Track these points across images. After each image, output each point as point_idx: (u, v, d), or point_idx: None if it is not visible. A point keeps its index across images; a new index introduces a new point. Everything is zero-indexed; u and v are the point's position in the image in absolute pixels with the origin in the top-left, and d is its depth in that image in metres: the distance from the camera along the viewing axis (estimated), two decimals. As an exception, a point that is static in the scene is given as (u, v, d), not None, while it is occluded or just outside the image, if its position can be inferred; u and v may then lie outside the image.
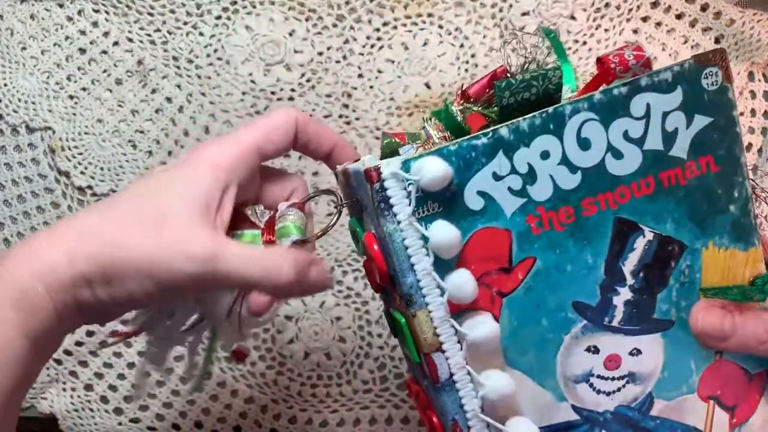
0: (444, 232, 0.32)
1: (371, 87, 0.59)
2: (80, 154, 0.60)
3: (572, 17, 0.58)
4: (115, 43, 0.59)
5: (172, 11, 0.59)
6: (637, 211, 0.35)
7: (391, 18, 0.58)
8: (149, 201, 0.33)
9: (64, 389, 0.60)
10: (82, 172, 0.60)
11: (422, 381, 0.38)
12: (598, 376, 0.36)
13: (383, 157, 0.38)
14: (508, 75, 0.38)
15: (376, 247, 0.34)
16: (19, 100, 0.60)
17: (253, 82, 0.59)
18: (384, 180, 0.32)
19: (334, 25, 0.58)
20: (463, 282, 0.33)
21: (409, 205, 0.32)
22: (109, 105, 0.60)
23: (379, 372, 0.59)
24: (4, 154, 0.60)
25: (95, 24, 0.60)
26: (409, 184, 0.32)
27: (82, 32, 0.60)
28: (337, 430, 0.60)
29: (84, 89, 0.60)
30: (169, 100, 0.60)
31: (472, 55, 0.58)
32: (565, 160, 0.34)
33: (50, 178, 0.60)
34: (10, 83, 0.60)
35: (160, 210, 0.32)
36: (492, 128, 0.33)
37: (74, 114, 0.60)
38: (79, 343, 0.60)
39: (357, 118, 0.59)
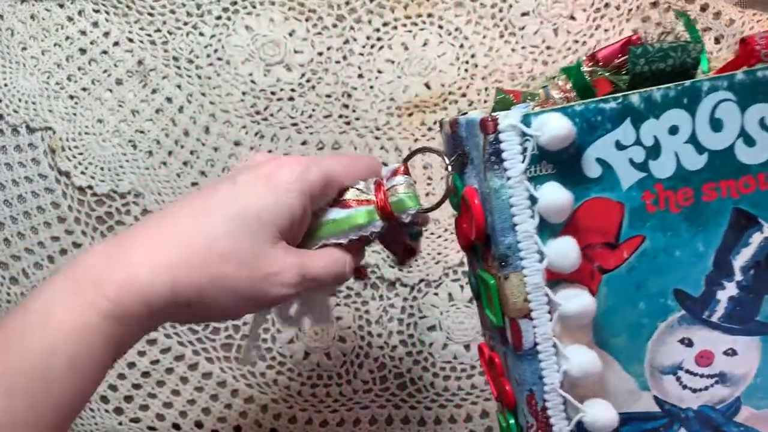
0: (557, 195, 0.30)
1: (371, 87, 0.59)
2: (80, 154, 0.60)
3: (572, 17, 0.58)
4: (116, 43, 0.59)
5: (173, 11, 0.59)
6: (759, 205, 0.33)
7: (391, 18, 0.58)
8: (245, 229, 0.33)
9: (65, 389, 0.60)
10: (82, 172, 0.60)
11: (500, 346, 0.37)
12: (687, 371, 0.35)
13: None
14: (644, 42, 0.36)
15: (477, 201, 0.33)
16: (20, 100, 0.60)
17: (253, 82, 0.59)
18: (500, 132, 0.30)
19: (334, 26, 0.58)
20: (567, 250, 0.31)
21: (523, 161, 0.30)
22: (109, 105, 0.60)
23: (379, 372, 0.59)
24: (4, 154, 0.61)
25: (95, 24, 0.60)
26: (526, 140, 0.30)
27: (83, 32, 0.60)
28: (337, 430, 0.60)
29: (84, 89, 0.60)
30: (169, 100, 0.60)
31: (472, 55, 0.58)
32: (693, 139, 0.32)
33: (50, 178, 0.60)
34: (11, 83, 0.60)
35: (255, 241, 0.34)
36: (623, 93, 0.31)
37: (74, 114, 0.60)
38: (79, 343, 0.60)
39: (357, 118, 0.59)
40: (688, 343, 0.34)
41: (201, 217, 0.34)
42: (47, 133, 0.60)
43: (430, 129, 0.59)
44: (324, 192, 0.36)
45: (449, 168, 0.36)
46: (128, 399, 0.60)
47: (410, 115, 0.59)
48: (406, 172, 0.37)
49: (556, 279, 0.32)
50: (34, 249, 0.61)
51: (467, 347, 0.59)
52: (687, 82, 0.31)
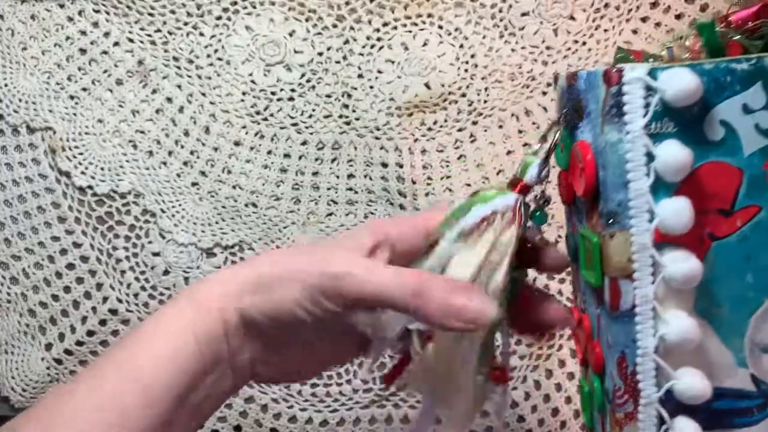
0: (677, 153, 0.29)
1: (371, 87, 0.59)
2: (81, 154, 0.60)
3: (572, 17, 0.58)
4: (116, 44, 0.60)
5: (173, 11, 0.59)
6: None
7: (391, 18, 0.58)
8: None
9: (65, 389, 0.60)
10: (82, 172, 0.60)
11: (593, 308, 0.36)
12: None
13: None
14: None
15: (590, 155, 0.32)
16: (20, 100, 0.60)
17: (253, 82, 0.59)
18: (624, 83, 0.29)
19: (334, 26, 0.59)
20: (681, 210, 0.29)
21: (644, 116, 0.29)
22: (109, 105, 0.60)
23: (379, 372, 0.59)
24: (4, 154, 0.61)
25: (96, 24, 0.60)
26: (650, 95, 0.29)
27: (83, 32, 0.60)
28: (338, 430, 0.60)
29: (84, 89, 0.60)
30: (169, 100, 0.60)
31: (472, 56, 0.58)
32: None
33: (51, 178, 0.60)
34: (11, 83, 0.60)
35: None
36: (757, 55, 0.30)
37: (75, 114, 0.60)
38: (80, 343, 0.60)
39: (357, 118, 0.59)
40: None
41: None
42: (47, 133, 0.60)
43: (430, 129, 0.59)
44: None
45: (562, 119, 0.35)
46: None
47: (410, 115, 0.59)
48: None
49: (662, 241, 0.31)
50: (34, 249, 0.61)
51: (467, 347, 0.59)
52: None
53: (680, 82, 0.29)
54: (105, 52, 0.60)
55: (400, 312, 0.32)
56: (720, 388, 0.32)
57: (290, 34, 0.59)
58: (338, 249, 0.34)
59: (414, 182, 0.59)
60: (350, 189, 0.59)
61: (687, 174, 0.30)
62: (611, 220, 0.31)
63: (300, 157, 0.59)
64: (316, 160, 0.59)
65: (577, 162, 0.33)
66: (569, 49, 0.58)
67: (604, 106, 0.30)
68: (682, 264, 0.30)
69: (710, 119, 0.30)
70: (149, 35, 0.59)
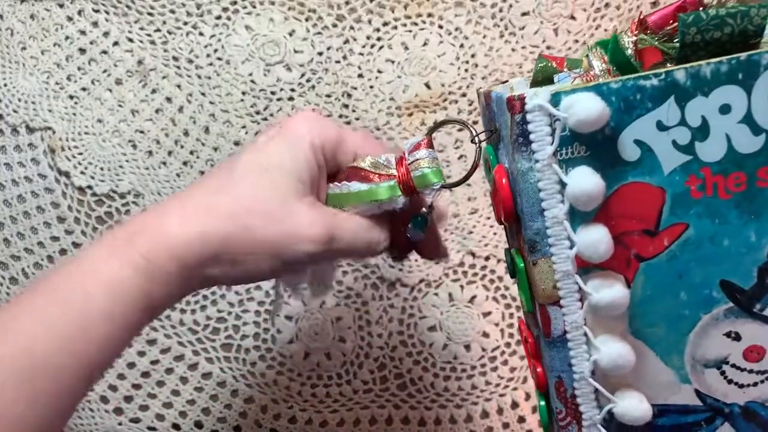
0: (585, 181, 0.28)
1: (371, 87, 0.59)
2: (80, 154, 0.60)
3: (572, 17, 0.58)
4: (115, 43, 0.59)
5: (172, 11, 0.59)
6: None
7: (391, 18, 0.58)
8: (267, 181, 0.34)
9: (64, 389, 0.60)
10: (82, 172, 0.60)
11: (533, 329, 0.36)
12: (734, 366, 0.32)
13: (534, 83, 0.34)
14: (699, 7, 0.32)
15: (504, 181, 0.31)
16: (19, 100, 0.60)
17: (253, 82, 0.59)
18: (527, 112, 0.29)
19: (334, 25, 0.58)
20: (596, 240, 0.29)
21: (551, 144, 0.29)
22: (109, 105, 0.60)
23: (379, 372, 0.59)
24: (4, 154, 0.60)
25: (95, 24, 0.60)
26: (555, 121, 0.28)
27: (82, 32, 0.60)
28: (337, 430, 0.60)
29: (84, 89, 0.60)
30: (169, 100, 0.60)
31: (472, 55, 0.58)
32: (748, 119, 0.29)
33: (50, 178, 0.60)
34: (10, 83, 0.60)
35: (279, 193, 0.34)
36: (666, 69, 0.29)
37: (74, 114, 0.60)
38: (79, 343, 0.60)
39: (357, 118, 0.59)
40: (736, 336, 0.32)
41: (227, 177, 0.35)
42: (47, 133, 0.60)
43: (430, 129, 0.59)
44: (338, 149, 0.36)
45: (476, 140, 0.34)
46: (128, 399, 0.60)
47: (410, 115, 0.59)
48: (430, 146, 0.35)
49: (588, 266, 0.30)
50: (33, 249, 0.61)
51: (467, 347, 0.59)
52: (743, 55, 0.28)
53: (582, 109, 0.28)
54: (104, 52, 0.60)
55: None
56: (664, 405, 0.33)
57: (290, 34, 0.59)
58: (277, 186, 0.35)
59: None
60: (350, 189, 0.59)
61: (600, 201, 0.29)
62: (532, 248, 0.31)
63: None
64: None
65: (496, 186, 0.33)
66: (569, 48, 0.58)
67: (512, 134, 0.30)
68: (608, 291, 0.30)
69: (623, 139, 0.29)
70: (149, 35, 0.59)
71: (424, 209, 0.38)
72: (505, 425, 0.59)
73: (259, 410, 0.60)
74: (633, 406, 0.31)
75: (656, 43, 0.32)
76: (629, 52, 0.32)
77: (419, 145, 0.35)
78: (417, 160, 0.35)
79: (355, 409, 0.60)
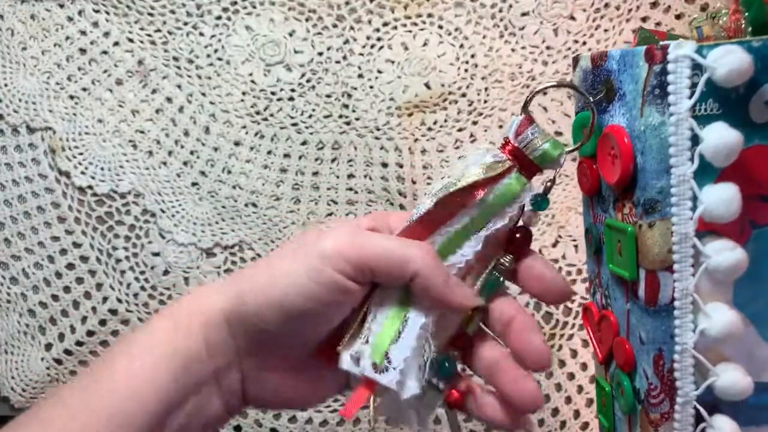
0: (726, 137, 0.27)
1: (371, 87, 0.59)
2: (80, 154, 0.60)
3: (572, 17, 0.58)
4: (116, 44, 0.59)
5: (173, 11, 0.59)
6: None
7: (391, 18, 0.58)
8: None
9: (65, 389, 0.60)
10: (82, 172, 0.60)
11: (620, 302, 0.34)
12: None
13: None
14: None
15: (626, 140, 0.30)
16: (20, 100, 0.60)
17: (253, 82, 0.59)
18: (669, 62, 0.27)
19: (334, 26, 0.58)
20: (729, 198, 0.28)
21: (691, 97, 0.27)
22: (109, 105, 0.60)
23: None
24: (4, 154, 0.61)
25: (95, 24, 0.60)
26: (696, 74, 0.27)
27: (83, 32, 0.60)
28: (338, 430, 0.60)
29: (84, 89, 0.60)
30: (169, 100, 0.60)
31: (472, 55, 0.58)
32: None
33: (50, 178, 0.60)
34: (11, 83, 0.60)
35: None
36: None
37: (74, 114, 0.60)
38: (79, 343, 0.60)
39: (357, 118, 0.59)
40: None
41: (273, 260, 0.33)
42: (47, 133, 0.60)
43: (430, 129, 0.59)
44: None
45: (592, 104, 0.32)
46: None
47: (410, 115, 0.59)
48: (532, 121, 0.32)
49: (704, 230, 0.29)
50: (34, 249, 0.61)
51: (467, 347, 0.59)
52: None
53: (732, 60, 0.27)
54: (105, 52, 0.60)
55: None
56: (759, 383, 0.31)
57: (290, 34, 0.59)
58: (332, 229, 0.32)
59: (414, 182, 0.59)
60: (350, 189, 0.59)
61: (736, 158, 0.28)
62: (650, 209, 0.29)
63: (300, 157, 0.59)
64: (316, 160, 0.59)
65: (608, 148, 0.31)
66: (569, 48, 0.58)
67: (646, 86, 0.28)
68: (728, 254, 0.28)
69: (756, 101, 0.28)
70: (149, 35, 0.59)
71: (543, 189, 0.33)
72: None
73: (259, 410, 0.60)
74: (737, 379, 0.29)
75: None
76: None
77: (523, 126, 0.32)
78: (529, 141, 0.32)
79: (355, 408, 0.60)
